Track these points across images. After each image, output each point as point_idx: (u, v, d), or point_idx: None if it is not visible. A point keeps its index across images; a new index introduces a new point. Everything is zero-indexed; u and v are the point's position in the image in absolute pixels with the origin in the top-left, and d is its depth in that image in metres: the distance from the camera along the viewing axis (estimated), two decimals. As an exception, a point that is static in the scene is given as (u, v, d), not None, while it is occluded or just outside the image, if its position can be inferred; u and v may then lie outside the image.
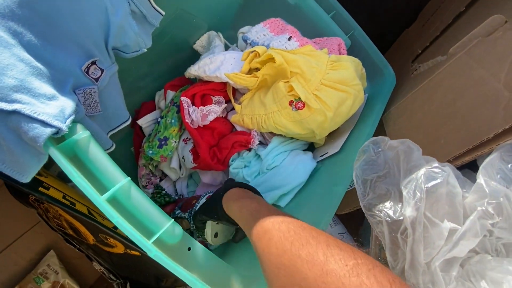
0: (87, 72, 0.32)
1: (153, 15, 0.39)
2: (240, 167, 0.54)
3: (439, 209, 0.26)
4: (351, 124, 0.55)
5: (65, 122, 0.26)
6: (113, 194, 0.27)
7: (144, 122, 0.59)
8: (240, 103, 0.55)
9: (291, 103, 0.47)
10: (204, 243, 0.48)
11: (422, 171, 0.28)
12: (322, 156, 0.55)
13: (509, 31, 0.40)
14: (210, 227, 0.45)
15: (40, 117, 0.24)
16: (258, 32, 0.59)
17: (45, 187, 0.38)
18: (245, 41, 0.60)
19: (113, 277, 0.53)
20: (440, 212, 0.26)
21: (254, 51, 0.50)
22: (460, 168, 0.37)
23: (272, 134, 0.55)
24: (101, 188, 0.27)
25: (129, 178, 0.28)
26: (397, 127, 0.51)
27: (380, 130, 0.55)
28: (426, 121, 0.45)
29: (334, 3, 0.63)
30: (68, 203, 0.38)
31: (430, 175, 0.28)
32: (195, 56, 0.70)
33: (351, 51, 0.65)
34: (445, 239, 0.25)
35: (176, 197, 0.60)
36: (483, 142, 0.34)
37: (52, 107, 0.26)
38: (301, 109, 0.47)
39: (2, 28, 0.25)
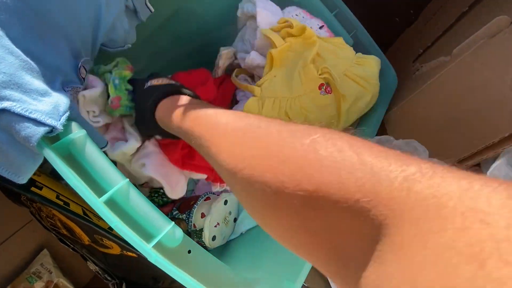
0: (79, 71, 0.31)
1: (144, 12, 0.37)
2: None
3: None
4: (353, 125, 0.55)
5: (59, 120, 0.25)
6: (111, 196, 0.26)
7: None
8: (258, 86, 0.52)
9: (321, 86, 0.46)
10: (202, 245, 0.47)
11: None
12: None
13: (516, 32, 0.40)
14: (208, 231, 0.44)
15: (32, 115, 0.22)
16: (291, 12, 0.58)
17: (38, 186, 0.37)
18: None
19: (108, 277, 0.52)
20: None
21: (288, 21, 0.49)
22: (463, 171, 0.37)
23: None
24: (99, 190, 0.26)
25: (127, 179, 0.27)
26: (400, 129, 0.51)
27: (382, 131, 0.55)
28: (429, 123, 0.45)
29: (337, 1, 0.62)
30: (62, 203, 0.36)
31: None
32: (196, 51, 0.68)
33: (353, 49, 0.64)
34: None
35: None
36: (489, 146, 0.33)
37: (45, 104, 0.24)
38: (329, 93, 0.46)
39: (-10, 19, 0.24)
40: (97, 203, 0.24)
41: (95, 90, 0.34)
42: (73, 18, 0.30)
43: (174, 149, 0.40)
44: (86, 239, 0.43)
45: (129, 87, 0.37)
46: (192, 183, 0.61)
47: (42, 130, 0.23)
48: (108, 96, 0.36)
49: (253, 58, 0.50)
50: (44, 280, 0.56)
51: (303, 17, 0.57)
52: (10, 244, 0.58)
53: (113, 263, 0.48)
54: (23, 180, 0.24)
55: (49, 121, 0.23)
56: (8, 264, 0.58)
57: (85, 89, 0.34)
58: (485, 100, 0.38)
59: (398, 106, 0.54)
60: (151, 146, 0.39)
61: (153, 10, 0.38)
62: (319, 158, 0.16)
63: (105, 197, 0.25)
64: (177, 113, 0.29)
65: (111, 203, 0.26)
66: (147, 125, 0.35)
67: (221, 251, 0.49)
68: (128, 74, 0.37)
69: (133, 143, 0.37)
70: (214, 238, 0.46)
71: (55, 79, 0.28)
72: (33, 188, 0.36)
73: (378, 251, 0.12)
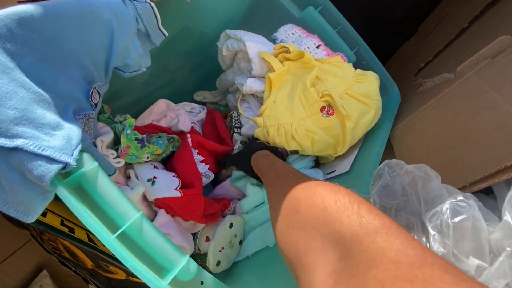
0: (91, 97, 0.30)
1: (157, 35, 0.37)
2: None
3: (465, 245, 0.26)
4: (358, 142, 0.55)
5: (72, 155, 0.24)
6: (125, 231, 0.25)
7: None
8: (259, 115, 0.52)
9: (322, 108, 0.46)
10: (206, 269, 0.46)
11: (447, 204, 0.27)
12: (329, 174, 0.54)
13: (521, 54, 0.40)
14: (213, 256, 0.43)
15: (45, 153, 0.22)
16: (287, 31, 0.58)
17: (42, 213, 0.36)
18: (274, 41, 0.58)
19: (111, 301, 0.50)
20: (465, 248, 0.26)
21: (286, 47, 0.49)
22: (473, 193, 0.37)
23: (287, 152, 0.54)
24: (112, 225, 0.25)
25: (140, 212, 0.26)
26: (406, 146, 0.51)
27: (388, 146, 0.55)
28: (436, 141, 0.45)
29: (340, 18, 0.63)
30: (66, 230, 0.35)
31: (456, 209, 0.27)
32: (198, 64, 0.68)
33: (355, 67, 0.65)
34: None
35: None
36: (501, 170, 0.33)
37: (58, 139, 0.23)
38: (332, 115, 0.46)
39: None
40: (111, 241, 0.24)
41: (109, 135, 0.35)
42: (86, 44, 0.29)
43: (197, 208, 0.41)
44: (89, 264, 0.42)
45: (139, 135, 0.38)
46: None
47: (55, 167, 0.22)
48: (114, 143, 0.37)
49: (250, 86, 0.51)
50: (44, 303, 0.54)
51: (299, 35, 0.57)
52: (8, 264, 0.56)
53: (117, 287, 0.46)
54: (32, 219, 0.23)
55: (63, 158, 0.22)
56: (6, 286, 0.56)
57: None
58: (494, 121, 0.38)
59: (403, 122, 0.55)
60: (164, 214, 0.41)
61: (167, 34, 0.38)
62: None
63: (118, 232, 0.25)
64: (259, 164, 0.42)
65: (125, 238, 0.25)
66: (246, 167, 0.47)
67: (227, 273, 0.48)
68: (133, 121, 0.38)
69: (139, 190, 0.37)
70: (218, 263, 0.45)
71: (67, 107, 0.27)
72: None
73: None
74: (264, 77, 0.52)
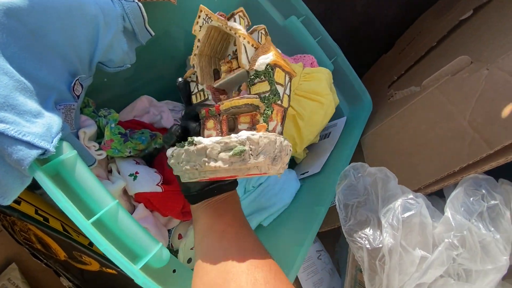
0: (73, 89, 0.31)
1: (143, 34, 0.38)
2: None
3: (413, 238, 0.29)
4: (331, 145, 0.58)
5: (52, 142, 0.25)
6: (100, 218, 0.26)
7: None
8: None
9: None
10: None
11: (399, 201, 0.31)
12: (303, 174, 0.57)
13: (475, 73, 0.45)
14: (183, 253, 0.45)
15: (26, 138, 0.23)
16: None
17: (16, 201, 0.36)
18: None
19: (82, 294, 0.50)
20: (413, 241, 0.29)
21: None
22: (429, 195, 0.41)
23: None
24: (88, 211, 0.26)
25: (116, 201, 0.28)
26: (374, 151, 0.55)
27: (359, 151, 0.59)
28: (401, 148, 0.49)
29: (320, 28, 0.66)
30: (41, 219, 0.35)
31: (406, 206, 0.30)
32: (184, 65, 0.70)
33: (332, 75, 0.69)
34: (416, 266, 0.28)
35: None
36: (450, 174, 0.37)
37: (38, 126, 0.24)
38: None
39: (-14, 39, 0.24)
40: (86, 225, 0.25)
41: (92, 127, 0.35)
42: (70, 38, 0.30)
43: (176, 205, 0.41)
44: (62, 255, 0.42)
45: (122, 130, 0.39)
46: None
47: (34, 153, 0.23)
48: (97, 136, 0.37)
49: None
50: (11, 297, 0.53)
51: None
52: (-26, 258, 0.54)
53: (90, 279, 0.46)
54: (8, 201, 0.24)
55: (42, 144, 0.23)
56: (-29, 278, 0.54)
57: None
58: (448, 130, 0.42)
59: (373, 130, 0.59)
60: (143, 209, 0.41)
61: (153, 34, 0.39)
62: None
63: (94, 218, 0.26)
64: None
65: (100, 225, 0.26)
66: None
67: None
68: (117, 116, 0.39)
69: (120, 184, 0.38)
70: (189, 260, 0.46)
71: (49, 97, 0.28)
72: (11, 203, 0.35)
73: None
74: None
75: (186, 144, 0.26)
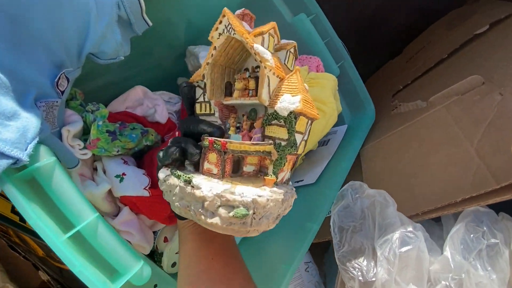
0: (57, 84, 0.28)
1: (139, 24, 0.35)
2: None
3: (408, 273, 0.28)
4: (329, 154, 0.56)
5: (26, 150, 0.22)
6: (79, 231, 0.24)
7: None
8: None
9: None
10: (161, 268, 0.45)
11: (397, 234, 0.29)
12: (297, 182, 0.56)
13: (487, 96, 0.43)
14: (167, 257, 0.43)
15: (-5, 146, 0.20)
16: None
17: (-10, 197, 0.33)
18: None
19: (61, 288, 0.49)
20: (407, 276, 0.28)
21: None
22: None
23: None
24: (65, 224, 0.24)
25: (97, 213, 0.26)
26: (373, 166, 0.53)
27: (357, 163, 0.57)
28: (400, 167, 0.47)
29: (330, 30, 0.63)
30: (17, 219, 0.33)
31: (404, 239, 0.29)
32: (183, 56, 0.66)
33: (339, 80, 0.66)
34: (409, 303, 0.27)
35: None
36: (451, 204, 0.36)
37: (11, 130, 0.22)
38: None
39: (-46, 25, 0.21)
40: (59, 244, 0.23)
41: (78, 124, 0.32)
42: (56, 26, 0.27)
43: (163, 211, 0.39)
44: (40, 252, 0.40)
45: (110, 127, 0.36)
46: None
47: (4, 163, 0.20)
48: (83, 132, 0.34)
49: None
50: (-13, 285, 0.51)
51: None
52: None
53: (68, 277, 0.45)
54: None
55: (14, 153, 0.21)
56: None
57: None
58: (452, 155, 0.41)
59: (374, 142, 0.57)
60: (128, 213, 0.39)
61: (150, 24, 0.36)
62: None
63: (71, 233, 0.24)
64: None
65: (78, 239, 0.24)
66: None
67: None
68: (106, 112, 0.36)
69: (105, 187, 0.36)
70: (174, 264, 0.45)
71: (27, 94, 0.25)
72: (-16, 200, 0.32)
73: None
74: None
75: (182, 179, 0.23)
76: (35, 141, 0.23)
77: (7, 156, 0.21)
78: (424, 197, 0.39)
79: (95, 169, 0.40)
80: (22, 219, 0.34)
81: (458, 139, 0.42)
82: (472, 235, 0.30)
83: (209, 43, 0.64)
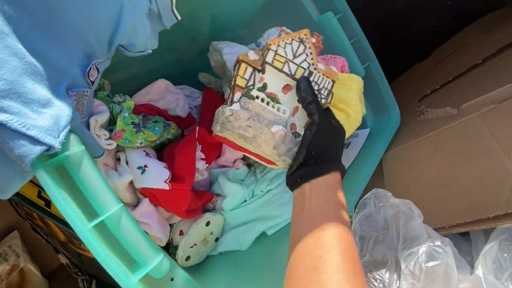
0: (88, 74, 0.29)
1: (168, 18, 0.35)
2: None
3: (434, 289, 0.27)
4: (349, 158, 0.55)
5: (58, 137, 0.23)
6: (103, 221, 0.24)
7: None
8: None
9: None
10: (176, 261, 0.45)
11: (423, 248, 0.28)
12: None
13: (527, 107, 0.40)
14: (182, 251, 0.44)
15: (30, 132, 0.20)
16: (271, 36, 0.56)
17: (19, 180, 0.35)
18: (258, 46, 0.57)
19: (79, 273, 0.50)
20: (434, 292, 0.27)
21: None
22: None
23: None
24: (91, 213, 0.24)
25: (121, 204, 0.26)
26: (396, 173, 0.51)
27: (378, 169, 0.55)
28: (427, 176, 0.45)
29: (358, 29, 0.61)
30: (42, 203, 0.34)
31: (432, 254, 0.27)
32: (206, 50, 0.66)
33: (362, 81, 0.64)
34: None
35: None
36: (483, 219, 0.34)
37: (45, 118, 0.22)
38: None
39: (-4, 12, 0.21)
40: (85, 232, 0.23)
41: (105, 115, 0.33)
42: (90, 17, 0.28)
43: (181, 204, 0.40)
44: (62, 237, 0.41)
45: (135, 119, 0.37)
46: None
47: (38, 149, 0.21)
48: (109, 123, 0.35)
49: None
50: (10, 263, 0.54)
51: None
52: (-21, 219, 0.55)
53: (87, 262, 0.46)
54: (6, 196, 0.22)
55: (48, 140, 0.21)
56: (-27, 239, 0.55)
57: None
58: (486, 168, 0.38)
59: (398, 148, 0.55)
60: (147, 204, 0.39)
61: (179, 18, 0.36)
62: None
63: (95, 222, 0.24)
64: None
65: (102, 229, 0.25)
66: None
67: (198, 267, 0.49)
68: (132, 104, 0.37)
69: (127, 178, 0.36)
70: (188, 258, 0.45)
71: (61, 82, 0.26)
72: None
73: None
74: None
75: None
76: (67, 129, 0.24)
77: (41, 143, 0.21)
78: (453, 210, 0.37)
79: (118, 159, 0.40)
80: (47, 204, 0.35)
81: (493, 151, 0.39)
82: (505, 254, 0.28)
83: (232, 39, 0.64)
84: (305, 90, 0.33)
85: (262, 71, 0.33)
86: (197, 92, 0.65)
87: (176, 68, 0.65)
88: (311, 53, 0.35)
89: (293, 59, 0.34)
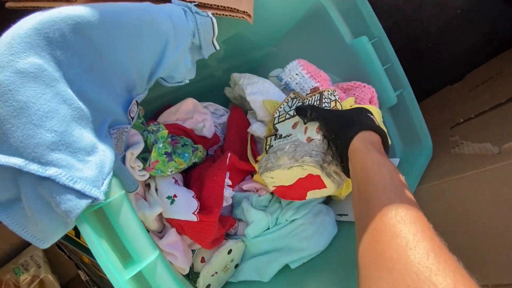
0: (129, 111, 0.28)
1: (208, 48, 0.34)
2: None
3: None
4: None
5: (102, 186, 0.22)
6: (141, 272, 0.24)
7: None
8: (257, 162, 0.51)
9: None
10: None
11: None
12: (341, 215, 0.53)
13: None
14: (203, 279, 0.43)
15: (77, 186, 0.20)
16: (291, 70, 0.56)
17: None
18: (280, 80, 0.57)
19: (97, 289, 0.50)
20: None
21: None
22: None
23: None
24: (128, 260, 0.24)
25: (158, 252, 0.25)
26: (428, 212, 0.48)
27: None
28: (465, 222, 0.42)
29: (392, 55, 0.59)
30: (73, 233, 0.34)
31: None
32: (236, 67, 0.66)
33: (393, 109, 0.61)
34: None
35: None
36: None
37: (91, 168, 0.22)
38: None
39: (47, 58, 0.21)
40: (120, 282, 0.22)
41: (140, 146, 0.33)
42: (135, 55, 0.27)
43: (207, 236, 0.39)
44: (86, 260, 0.41)
45: (168, 149, 0.37)
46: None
47: (84, 204, 0.20)
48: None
49: (255, 130, 0.54)
50: (31, 274, 0.54)
51: (302, 76, 0.55)
52: (4, 227, 0.56)
53: (108, 284, 0.46)
54: (45, 246, 0.22)
55: (93, 192, 0.21)
56: (-3, 249, 0.56)
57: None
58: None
59: (431, 184, 0.52)
60: (174, 234, 0.39)
61: (218, 48, 0.35)
62: None
63: (134, 272, 0.23)
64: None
65: (138, 278, 0.24)
66: (336, 134, 0.36)
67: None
68: (166, 133, 0.36)
69: (157, 210, 0.36)
70: (208, 286, 0.44)
71: (104, 122, 0.25)
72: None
73: None
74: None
75: None
76: (110, 176, 0.23)
77: (87, 196, 0.20)
78: (498, 267, 0.35)
79: (147, 184, 0.40)
80: (77, 235, 0.34)
81: (544, 203, 0.36)
82: None
83: (260, 57, 0.63)
84: (301, 109, 0.41)
85: (276, 132, 0.47)
86: (222, 109, 0.64)
87: (204, 84, 0.65)
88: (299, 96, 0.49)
89: (289, 110, 0.49)
